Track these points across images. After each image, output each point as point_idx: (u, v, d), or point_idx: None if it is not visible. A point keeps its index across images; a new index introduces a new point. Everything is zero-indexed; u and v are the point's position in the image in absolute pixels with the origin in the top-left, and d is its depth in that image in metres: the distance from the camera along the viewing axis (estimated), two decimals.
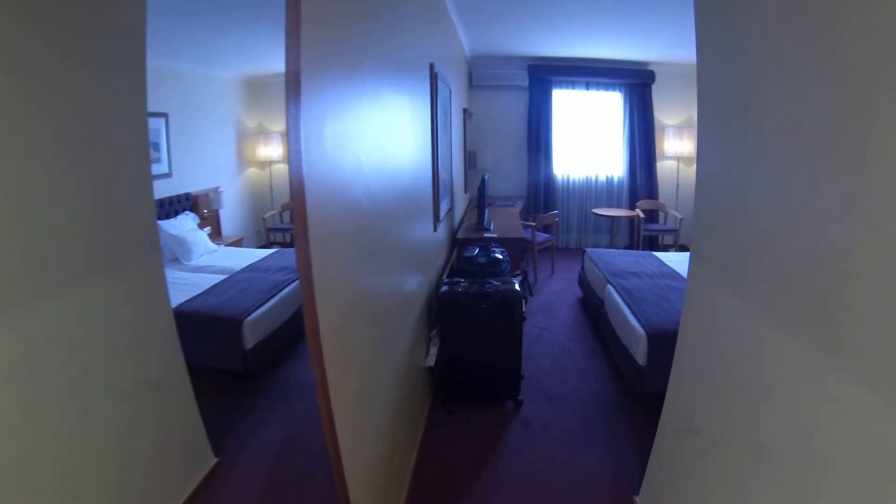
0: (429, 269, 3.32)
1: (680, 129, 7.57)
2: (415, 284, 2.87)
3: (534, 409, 3.58)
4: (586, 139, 7.71)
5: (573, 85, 7.50)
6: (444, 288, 3.20)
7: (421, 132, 2.98)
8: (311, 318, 1.30)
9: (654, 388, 3.36)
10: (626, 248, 7.97)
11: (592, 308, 5.15)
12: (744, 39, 1.61)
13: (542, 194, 7.58)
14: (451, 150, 4.39)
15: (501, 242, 4.54)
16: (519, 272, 4.03)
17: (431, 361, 3.23)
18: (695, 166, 7.12)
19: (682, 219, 7.26)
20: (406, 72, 2.51)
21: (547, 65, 7.28)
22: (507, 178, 7.80)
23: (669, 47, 6.30)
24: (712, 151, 1.98)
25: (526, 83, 7.32)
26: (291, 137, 1.21)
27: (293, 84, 1.18)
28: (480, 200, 4.77)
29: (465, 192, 6.17)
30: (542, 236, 6.43)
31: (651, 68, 7.39)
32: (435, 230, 3.39)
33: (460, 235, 4.58)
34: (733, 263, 1.73)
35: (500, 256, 3.72)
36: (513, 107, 7.57)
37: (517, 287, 3.25)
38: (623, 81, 7.43)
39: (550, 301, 5.69)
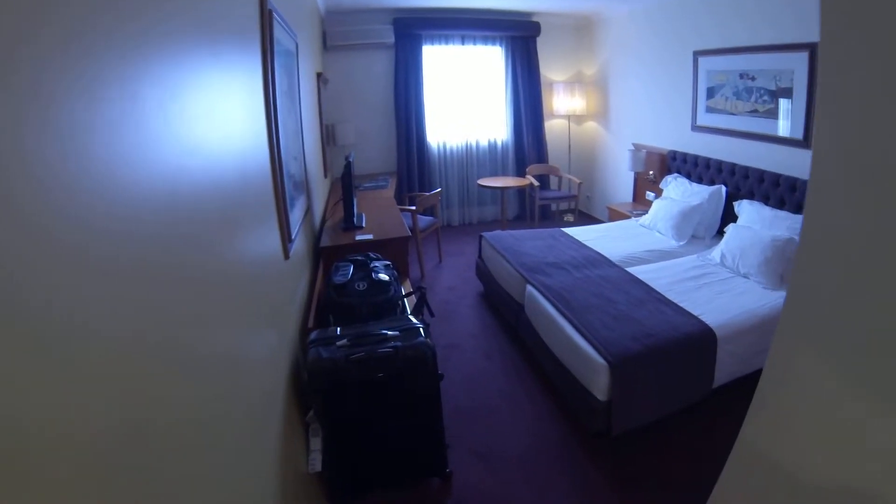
0: (283, 319, 2.11)
1: (570, 84, 6.95)
2: (262, 350, 1.68)
3: (466, 479, 2.62)
4: (464, 101, 6.80)
5: (447, 40, 6.49)
6: (315, 352, 2.03)
7: (248, 105, 1.74)
8: None
9: (624, 424, 2.76)
10: (516, 219, 7.20)
11: (502, 307, 4.25)
12: None
13: (415, 168, 6.54)
14: (302, 128, 3.11)
15: (381, 246, 3.42)
16: (415, 290, 2.92)
17: (317, 465, 2.09)
18: (589, 124, 6.47)
19: (580, 183, 6.62)
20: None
21: (416, 17, 6.18)
22: (375, 153, 6.65)
23: None
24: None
25: (391, 40, 6.15)
26: None
27: None
28: (347, 191, 3.58)
29: (326, 176, 4.88)
30: (424, 220, 5.38)
31: (535, 19, 6.62)
32: (287, 257, 2.17)
33: (326, 243, 3.37)
34: None
35: (386, 277, 2.61)
36: (377, 69, 6.39)
37: (423, 333, 2.17)
38: (504, 34, 6.58)
39: (446, 301, 4.69)
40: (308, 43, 4.08)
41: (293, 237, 2.28)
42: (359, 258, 2.82)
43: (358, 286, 2.51)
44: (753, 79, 4.28)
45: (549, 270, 3.85)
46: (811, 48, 3.70)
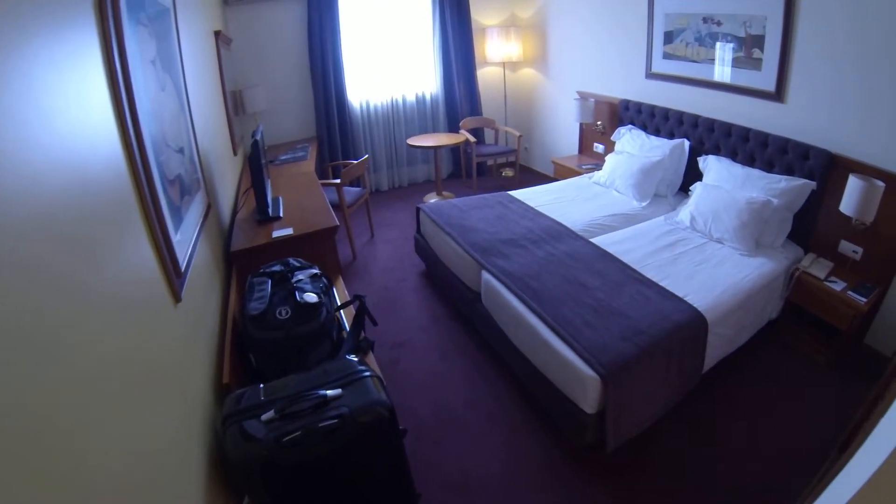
0: (182, 382, 1.55)
1: (505, 28, 6.37)
2: (153, 442, 1.16)
3: None
4: (388, 53, 6.08)
5: None
6: (236, 432, 1.50)
7: (76, 86, 1.14)
8: None
9: (620, 438, 2.46)
10: (450, 177, 6.71)
11: (452, 293, 3.82)
12: None
13: (337, 132, 5.83)
14: (189, 105, 2.41)
15: (304, 242, 2.86)
16: (352, 299, 2.39)
17: None
18: (525, 71, 5.93)
19: (520, 136, 6.15)
20: None
21: None
22: (291, 118, 5.86)
23: None
24: None
25: None
26: None
27: None
28: (257, 177, 2.94)
29: (235, 153, 4.14)
30: (351, 192, 4.78)
31: None
32: (178, 299, 1.58)
33: (238, 245, 2.75)
34: None
35: (314, 297, 2.06)
36: (288, 22, 5.51)
37: (374, 385, 1.66)
38: None
39: (386, 287, 4.19)
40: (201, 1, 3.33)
41: (184, 268, 1.68)
42: (277, 269, 2.25)
43: (280, 314, 1.96)
44: (719, 24, 3.90)
45: (506, 250, 3.41)
46: None
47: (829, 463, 2.26)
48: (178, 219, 1.79)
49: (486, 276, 3.22)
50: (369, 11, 5.79)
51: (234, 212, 3.33)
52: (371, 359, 2.28)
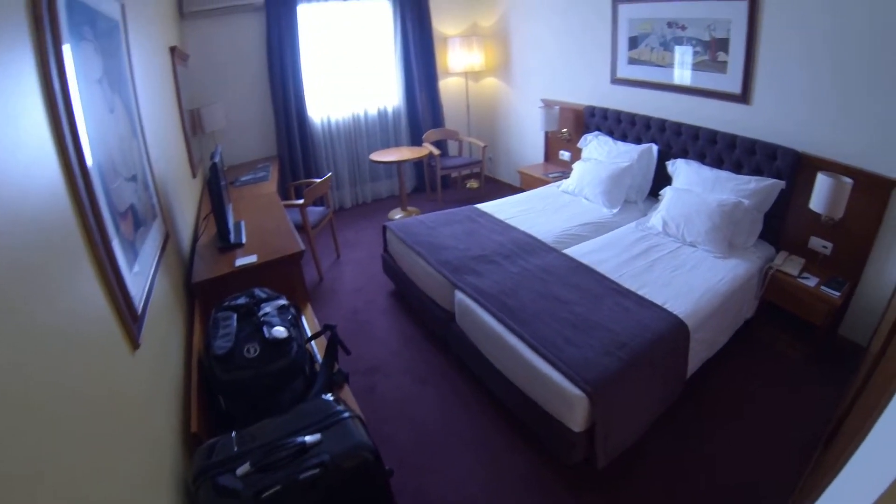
0: (151, 434, 1.42)
1: (467, 37, 6.33)
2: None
3: None
4: (348, 67, 5.96)
5: None
6: (209, 490, 1.37)
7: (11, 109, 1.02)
8: None
9: (609, 454, 2.40)
10: (415, 191, 6.63)
11: (424, 314, 3.72)
12: None
13: (298, 150, 5.69)
14: (141, 123, 2.26)
15: (270, 269, 2.73)
16: (322, 330, 2.27)
17: None
18: (488, 80, 5.88)
19: (484, 146, 6.11)
20: None
21: None
22: (251, 137, 5.68)
23: None
24: None
25: (261, 0, 5.16)
26: None
27: None
28: (216, 202, 2.80)
29: (194, 175, 3.96)
30: (314, 212, 4.66)
31: None
32: (136, 345, 1.44)
33: (200, 276, 2.60)
34: None
35: (283, 331, 1.94)
36: (246, 37, 5.33)
37: (354, 426, 1.56)
38: None
39: (355, 310, 4.06)
40: (149, 7, 3.16)
41: (141, 310, 1.55)
42: (242, 302, 2.12)
43: (248, 352, 1.83)
44: (684, 28, 3.93)
45: (478, 267, 3.33)
46: None
47: (815, 457, 2.33)
48: (133, 254, 1.66)
49: (459, 295, 3.14)
50: (329, 24, 5.67)
51: (195, 239, 3.17)
52: (346, 390, 2.17)
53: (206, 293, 2.58)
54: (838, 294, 3.01)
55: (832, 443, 2.20)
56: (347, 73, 5.92)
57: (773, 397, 2.96)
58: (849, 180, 2.96)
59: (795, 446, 2.58)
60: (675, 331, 2.67)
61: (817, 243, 3.33)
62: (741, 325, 3.34)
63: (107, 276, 1.33)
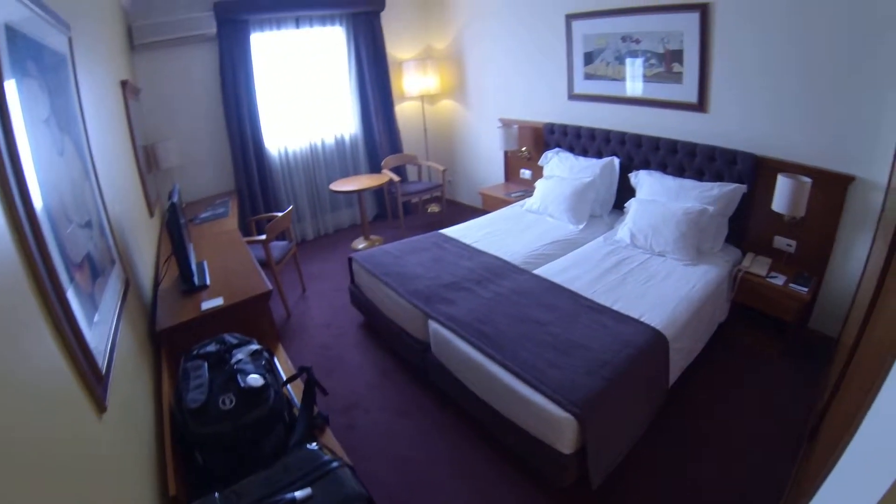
0: (125, 497, 1.31)
1: (422, 61, 6.36)
2: None
3: None
4: (304, 96, 5.89)
5: (279, 24, 5.50)
6: None
7: None
8: None
9: (602, 473, 2.36)
10: (377, 219, 6.58)
11: (397, 345, 3.63)
12: None
13: (257, 183, 5.58)
14: (94, 164, 2.14)
15: (237, 311, 2.63)
16: (298, 372, 2.18)
17: None
18: (444, 103, 5.87)
19: (444, 169, 6.11)
20: None
21: None
22: (208, 172, 5.52)
23: None
24: None
25: (213, 30, 5.03)
26: None
27: None
28: (177, 244, 2.69)
29: (152, 214, 3.79)
30: (277, 247, 4.54)
31: None
32: (103, 408, 1.34)
33: (164, 323, 2.48)
34: None
35: (258, 379, 1.84)
36: (199, 68, 5.21)
37: (343, 476, 1.48)
38: (344, 11, 5.76)
39: (326, 346, 3.95)
40: (99, 40, 3.03)
41: (105, 368, 1.44)
42: (212, 349, 2.01)
43: (224, 403, 1.73)
44: (638, 41, 4.02)
45: (450, 295, 3.27)
46: (702, 8, 3.52)
47: (802, 452, 2.38)
48: (92, 308, 1.55)
49: (433, 325, 3.07)
50: (283, 53, 5.61)
51: (156, 282, 3.04)
52: (328, 433, 2.08)
53: (172, 340, 2.47)
54: (806, 290, 3.11)
55: (816, 436, 2.26)
56: (303, 101, 5.86)
57: (753, 395, 3.04)
58: (808, 179, 3.07)
59: (781, 442, 2.64)
60: (654, 343, 2.68)
61: (782, 242, 3.43)
62: (715, 329, 3.38)
63: (64, 335, 1.23)
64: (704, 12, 3.49)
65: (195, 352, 2.03)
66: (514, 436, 2.53)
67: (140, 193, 3.49)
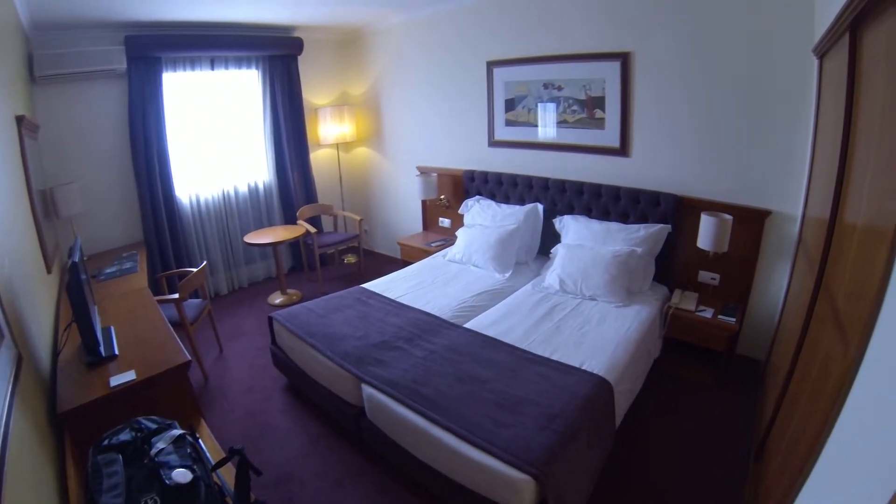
0: None
1: (339, 107, 6.27)
2: None
3: None
4: (217, 140, 5.63)
5: (193, 64, 5.26)
6: None
7: None
8: None
9: None
10: (292, 271, 6.40)
11: (328, 408, 3.41)
12: None
13: (167, 234, 5.22)
14: None
15: (152, 389, 2.39)
16: (228, 455, 1.96)
17: None
18: (359, 150, 5.74)
19: (360, 219, 6.00)
20: None
21: (153, 34, 4.82)
22: (114, 221, 5.08)
23: (319, 3, 4.72)
24: None
25: (123, 65, 4.69)
26: None
27: None
28: (80, 310, 2.40)
29: (50, 270, 3.34)
30: (191, 305, 4.23)
31: (298, 34, 5.84)
32: None
33: (67, 405, 2.18)
34: None
35: (185, 472, 1.64)
36: (106, 107, 4.82)
37: None
38: (261, 54, 5.61)
39: (250, 413, 3.67)
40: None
41: None
42: (126, 438, 1.77)
43: None
44: (560, 88, 4.14)
45: (381, 355, 3.13)
46: (623, 57, 3.69)
47: (750, 468, 2.60)
48: None
49: (367, 389, 2.91)
50: (196, 95, 5.36)
51: (55, 352, 2.69)
52: None
53: (77, 423, 2.18)
54: (734, 320, 3.31)
55: (763, 451, 2.44)
56: (216, 147, 5.61)
57: (695, 425, 3.18)
58: (729, 217, 3.29)
59: (730, 464, 2.81)
60: (599, 389, 2.67)
61: (706, 276, 3.62)
62: (651, 366, 3.46)
63: None
64: (626, 61, 3.67)
65: (106, 441, 1.77)
66: (467, 499, 2.39)
67: (35, 245, 3.09)
